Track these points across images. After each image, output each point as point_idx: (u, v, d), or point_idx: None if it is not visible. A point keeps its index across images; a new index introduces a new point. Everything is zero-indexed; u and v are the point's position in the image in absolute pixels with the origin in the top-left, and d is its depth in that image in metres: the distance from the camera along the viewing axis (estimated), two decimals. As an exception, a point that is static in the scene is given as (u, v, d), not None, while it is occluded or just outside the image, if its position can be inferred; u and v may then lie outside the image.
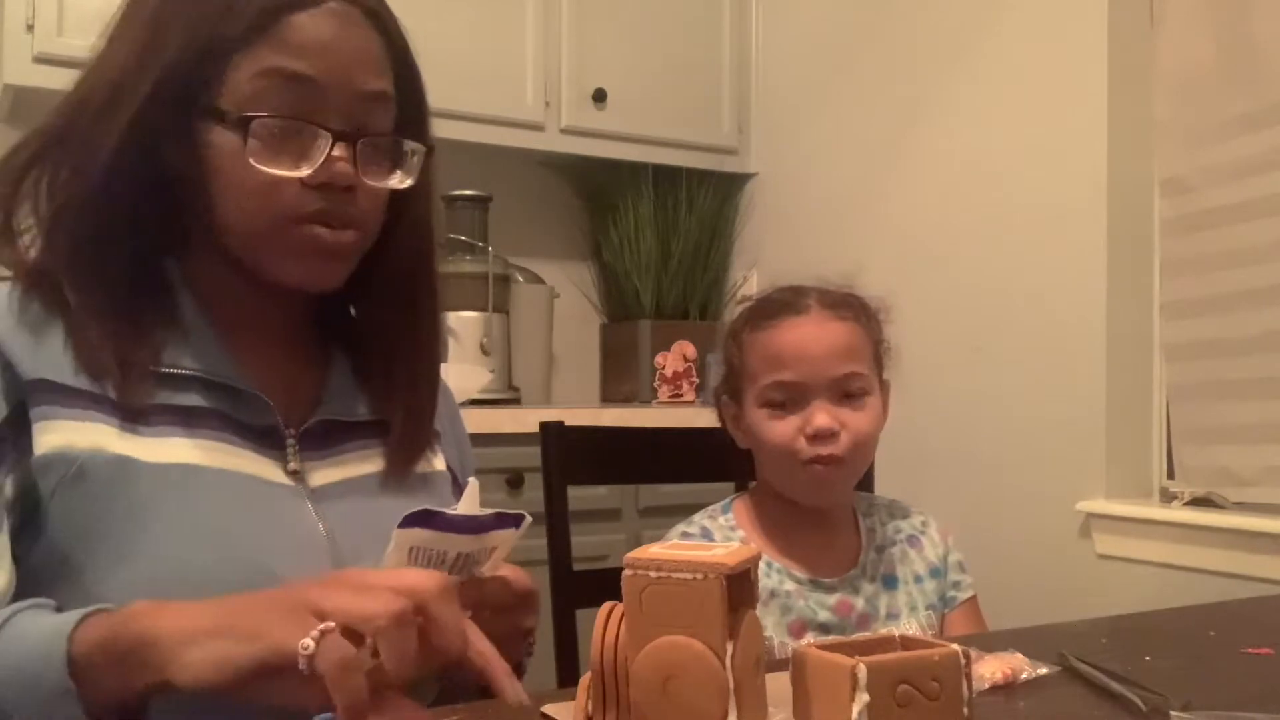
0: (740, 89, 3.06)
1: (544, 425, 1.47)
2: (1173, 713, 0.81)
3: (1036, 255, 2.25)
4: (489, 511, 0.84)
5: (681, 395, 2.98)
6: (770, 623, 1.26)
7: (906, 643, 0.72)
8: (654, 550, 0.70)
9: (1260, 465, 1.92)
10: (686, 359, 3.00)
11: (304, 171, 0.90)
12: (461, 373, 2.54)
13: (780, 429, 1.27)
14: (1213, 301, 2.00)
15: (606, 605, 0.74)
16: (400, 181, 0.96)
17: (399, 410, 1.02)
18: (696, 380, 2.99)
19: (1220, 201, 1.98)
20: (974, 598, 1.36)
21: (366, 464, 1.01)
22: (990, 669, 0.91)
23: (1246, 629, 1.11)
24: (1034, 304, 2.25)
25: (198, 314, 0.94)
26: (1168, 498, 2.13)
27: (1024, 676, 0.92)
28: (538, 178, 3.06)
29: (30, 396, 0.86)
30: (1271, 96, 1.91)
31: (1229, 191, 1.97)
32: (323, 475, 0.97)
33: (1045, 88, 2.25)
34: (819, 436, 1.25)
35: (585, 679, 0.76)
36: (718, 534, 1.32)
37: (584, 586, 1.41)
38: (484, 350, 2.69)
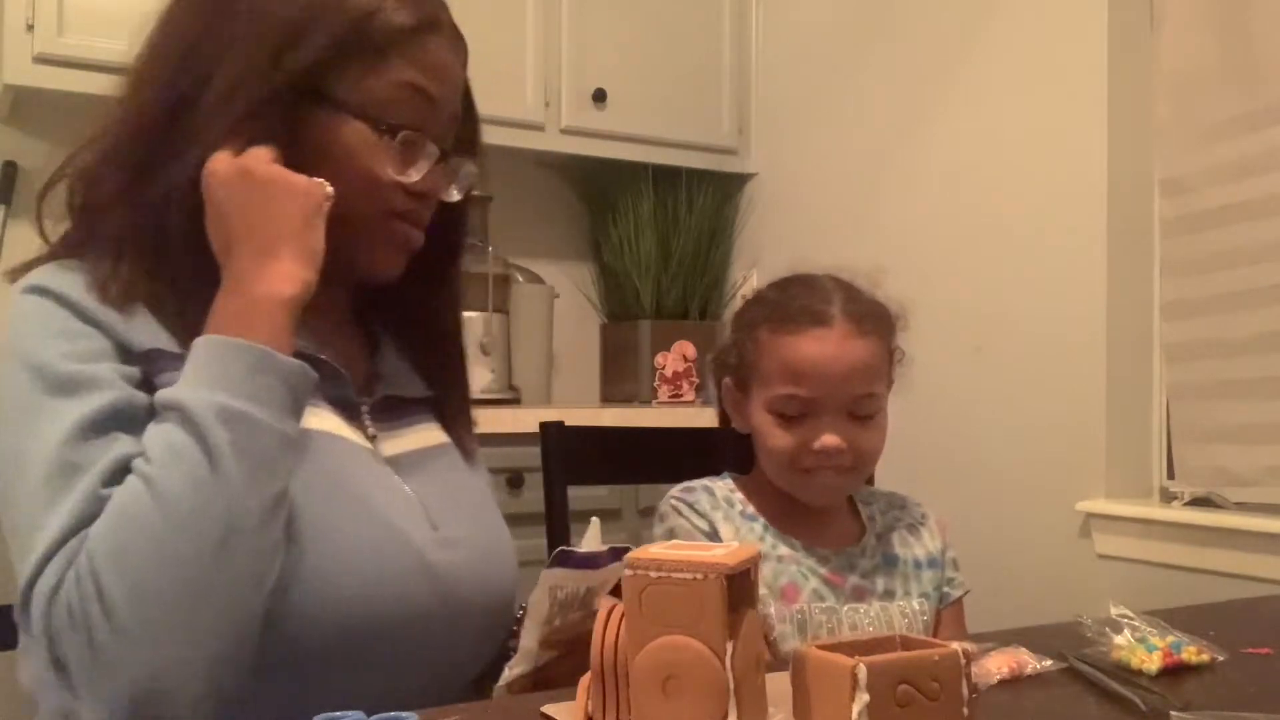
0: (740, 89, 3.06)
1: (544, 425, 1.47)
2: (1173, 713, 0.81)
3: (1036, 255, 2.25)
4: (606, 547, 0.91)
5: (681, 395, 2.98)
6: (760, 582, 1.26)
7: (906, 643, 0.72)
8: (654, 550, 0.70)
9: (1260, 465, 1.92)
10: (686, 359, 3.00)
11: (414, 178, 1.01)
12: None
13: (786, 440, 1.26)
14: (1213, 301, 2.00)
15: (606, 605, 0.74)
16: (453, 196, 1.08)
17: (453, 388, 1.15)
18: (696, 380, 2.99)
19: (1220, 201, 1.98)
20: (962, 598, 1.36)
21: (427, 436, 1.10)
22: (996, 664, 0.92)
23: (1246, 629, 1.11)
24: (1034, 304, 2.25)
25: None
26: (1168, 498, 2.13)
27: (1029, 670, 0.92)
28: (538, 178, 3.05)
29: (151, 365, 0.92)
30: (1271, 96, 1.91)
31: (1229, 191, 1.97)
32: (392, 445, 1.04)
33: (1045, 88, 2.25)
34: (825, 454, 1.25)
35: (585, 679, 0.76)
36: (719, 491, 1.31)
37: (584, 586, 1.41)
38: (484, 350, 2.69)
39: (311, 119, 0.97)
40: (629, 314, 3.08)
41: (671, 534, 1.29)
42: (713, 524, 1.29)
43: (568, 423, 1.48)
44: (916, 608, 1.31)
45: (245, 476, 0.83)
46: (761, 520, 1.31)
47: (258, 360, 0.87)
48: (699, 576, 0.67)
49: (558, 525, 1.44)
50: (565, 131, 2.80)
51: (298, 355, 0.92)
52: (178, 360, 0.90)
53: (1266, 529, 1.85)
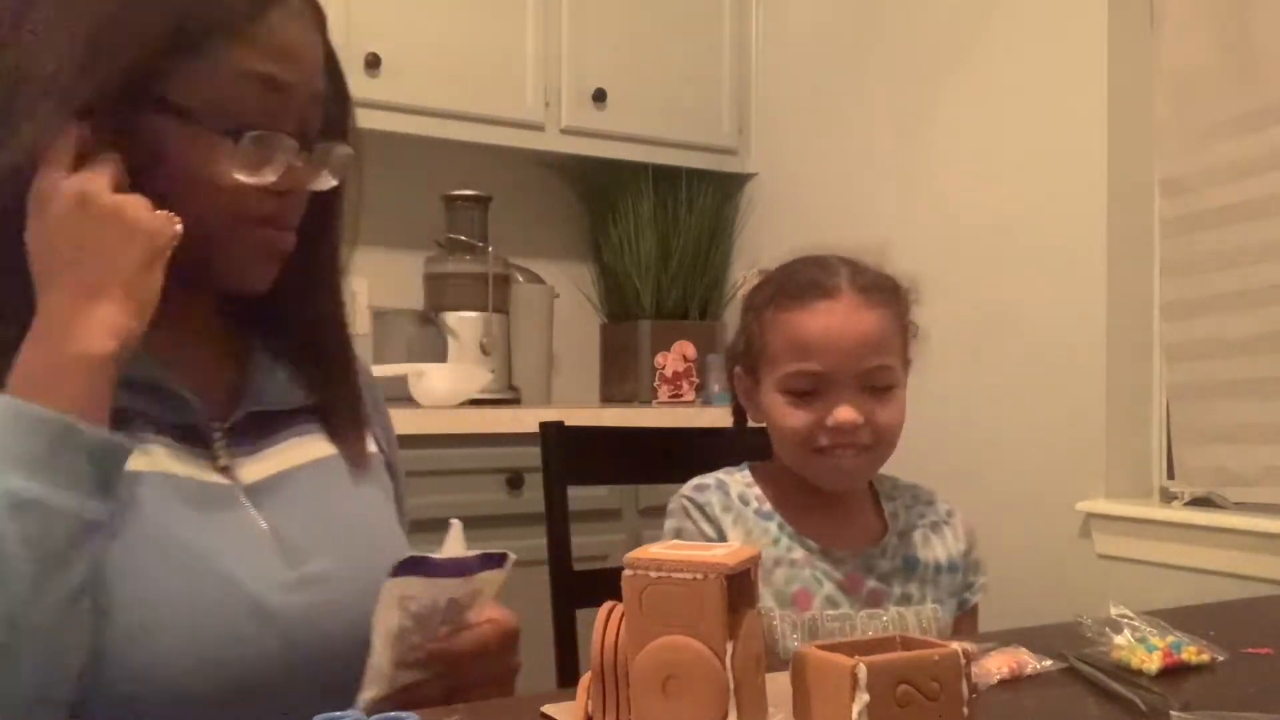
0: (740, 89, 3.05)
1: (544, 425, 1.47)
2: (1173, 713, 0.81)
3: (1037, 255, 2.25)
4: (474, 553, 0.83)
5: (681, 395, 2.98)
6: (769, 593, 1.21)
7: (906, 643, 0.72)
8: (654, 550, 0.70)
9: (1260, 465, 1.92)
10: (686, 359, 3.00)
11: (270, 178, 0.89)
12: (461, 373, 2.54)
13: (800, 418, 1.21)
14: (1213, 301, 2.00)
15: (606, 605, 0.74)
16: (327, 183, 0.95)
17: (339, 391, 1.01)
18: (696, 380, 2.99)
19: (1220, 201, 1.98)
20: (978, 604, 1.34)
21: (304, 452, 0.97)
22: (996, 664, 0.92)
23: (1246, 629, 1.11)
24: (1034, 304, 2.25)
25: None
26: (1168, 498, 2.13)
27: (1029, 670, 0.92)
28: (538, 178, 3.05)
29: None
30: (1271, 96, 1.91)
31: (1229, 191, 1.97)
32: (256, 469, 0.93)
33: (1045, 88, 2.25)
34: (841, 430, 1.20)
35: (585, 679, 0.76)
36: (734, 487, 1.27)
37: (584, 586, 1.41)
38: (484, 350, 2.69)
39: (145, 122, 0.86)
40: (629, 314, 3.08)
41: (678, 534, 1.25)
42: (721, 530, 1.24)
43: (568, 423, 1.48)
44: (932, 613, 1.27)
45: (34, 574, 0.74)
46: (777, 518, 1.26)
47: (59, 434, 0.76)
48: (699, 576, 0.67)
49: (558, 525, 1.44)
50: (565, 131, 2.80)
51: (135, 381, 0.84)
52: None
53: (1266, 529, 1.85)
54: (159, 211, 0.83)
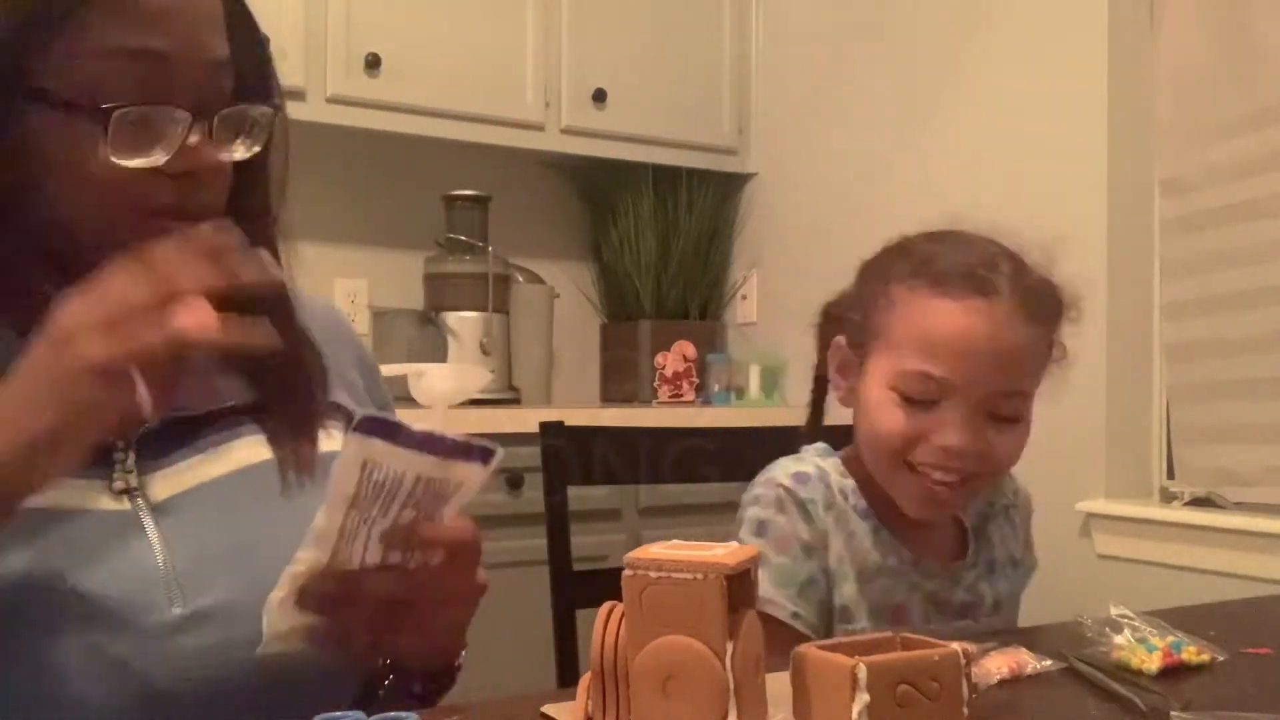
0: (740, 89, 3.05)
1: (544, 425, 1.47)
2: (1173, 713, 0.81)
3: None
4: (459, 436, 0.73)
5: (681, 395, 2.98)
6: (865, 607, 1.06)
7: (906, 643, 0.72)
8: (654, 550, 0.70)
9: (1260, 465, 1.92)
10: (686, 359, 3.00)
11: (160, 159, 0.78)
12: (461, 373, 2.54)
13: (902, 423, 1.03)
14: (1213, 301, 2.00)
15: (606, 605, 0.74)
16: (247, 151, 0.84)
17: (279, 388, 0.89)
18: (696, 380, 2.99)
19: (1220, 201, 1.98)
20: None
21: (231, 459, 0.86)
22: (996, 664, 0.92)
23: (1246, 629, 1.11)
24: (1034, 304, 2.25)
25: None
26: (1168, 498, 2.13)
27: (1029, 670, 0.92)
28: (538, 178, 3.05)
29: None
30: (1271, 96, 1.91)
31: (1229, 191, 1.97)
32: (168, 485, 0.83)
33: (1045, 88, 2.25)
34: (948, 454, 1.02)
35: (585, 679, 0.76)
36: (832, 481, 1.09)
37: (584, 586, 1.41)
38: (484, 350, 2.69)
39: (18, 115, 0.77)
40: (629, 314, 3.08)
41: (762, 526, 1.07)
42: (824, 534, 1.06)
43: (568, 423, 1.48)
44: (1007, 618, 1.15)
45: None
46: (873, 519, 1.09)
47: None
48: (699, 576, 0.67)
49: (557, 525, 1.44)
50: (565, 131, 2.80)
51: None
52: None
53: (1266, 529, 1.85)
54: (140, 391, 0.68)
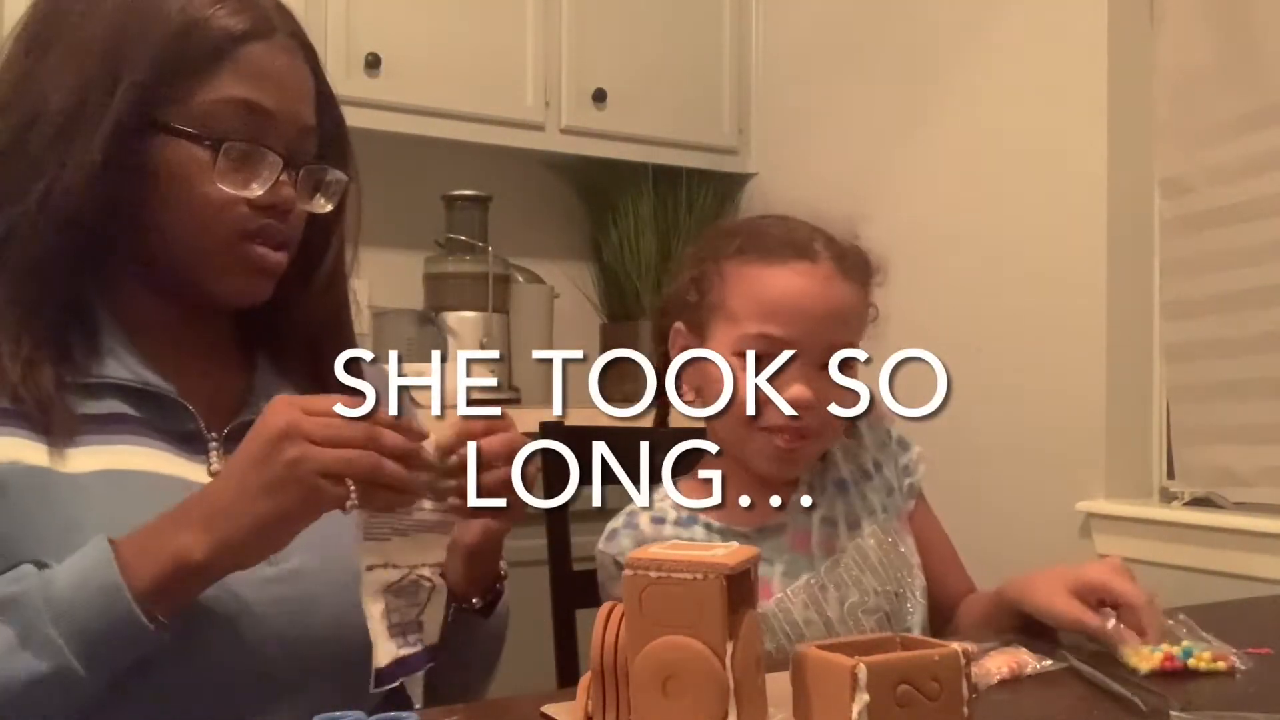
0: (740, 89, 3.05)
1: (544, 425, 1.47)
2: (1173, 713, 0.81)
3: (1036, 255, 2.25)
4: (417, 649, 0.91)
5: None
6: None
7: (906, 643, 0.72)
8: (654, 550, 0.70)
9: (1260, 465, 1.92)
10: (686, 359, 3.00)
11: (254, 192, 0.96)
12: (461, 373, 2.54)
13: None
14: (1213, 301, 2.00)
15: (606, 605, 0.74)
16: (323, 206, 1.03)
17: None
18: (696, 380, 2.99)
19: (1220, 201, 1.98)
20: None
21: None
22: (996, 664, 0.92)
23: (1246, 629, 1.11)
24: (1034, 304, 2.25)
25: (115, 332, 0.97)
26: (1168, 498, 2.13)
27: (1029, 670, 0.92)
28: (538, 178, 3.05)
29: None
30: (1271, 96, 1.91)
31: (1229, 191, 1.97)
32: None
33: (1045, 88, 2.25)
34: (796, 406, 1.08)
35: (585, 679, 0.76)
36: (643, 517, 1.19)
37: (584, 586, 1.41)
38: (484, 350, 2.69)
39: (142, 146, 0.94)
40: (629, 314, 3.07)
41: (608, 594, 1.17)
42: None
43: (567, 423, 1.48)
44: (882, 533, 1.18)
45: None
46: (701, 521, 1.17)
47: (121, 623, 0.82)
48: (699, 576, 0.67)
49: (557, 525, 1.44)
50: (565, 131, 2.80)
51: (142, 391, 0.94)
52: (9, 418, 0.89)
53: (1266, 529, 1.85)
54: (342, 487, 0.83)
